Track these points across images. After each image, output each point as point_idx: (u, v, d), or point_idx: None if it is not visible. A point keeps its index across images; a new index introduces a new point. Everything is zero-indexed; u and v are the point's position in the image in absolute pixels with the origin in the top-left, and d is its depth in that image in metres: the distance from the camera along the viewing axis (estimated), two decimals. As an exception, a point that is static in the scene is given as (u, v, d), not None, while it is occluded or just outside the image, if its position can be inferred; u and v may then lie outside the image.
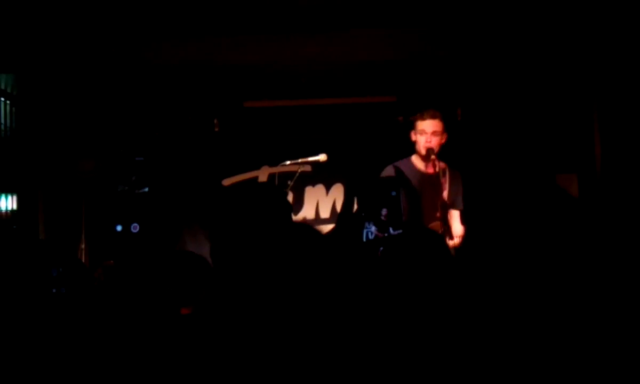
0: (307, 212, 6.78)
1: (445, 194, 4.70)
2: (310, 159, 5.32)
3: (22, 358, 2.29)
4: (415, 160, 4.92)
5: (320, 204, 6.80)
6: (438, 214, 4.58)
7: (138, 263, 2.78)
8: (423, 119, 4.81)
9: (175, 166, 6.69)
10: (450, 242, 4.56)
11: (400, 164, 4.91)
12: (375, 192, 3.61)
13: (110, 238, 6.23)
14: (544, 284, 2.28)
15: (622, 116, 5.82)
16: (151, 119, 6.73)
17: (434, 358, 2.07)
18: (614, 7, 5.04)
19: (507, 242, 2.40)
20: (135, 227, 6.16)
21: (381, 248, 2.50)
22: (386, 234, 3.47)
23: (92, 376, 2.20)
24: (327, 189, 6.80)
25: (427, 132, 4.79)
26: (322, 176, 6.64)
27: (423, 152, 4.80)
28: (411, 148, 4.95)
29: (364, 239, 3.42)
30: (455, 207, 4.85)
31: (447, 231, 4.49)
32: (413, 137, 4.88)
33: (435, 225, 4.51)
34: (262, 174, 6.76)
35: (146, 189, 6.33)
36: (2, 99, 6.19)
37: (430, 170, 4.81)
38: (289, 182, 5.31)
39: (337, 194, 6.79)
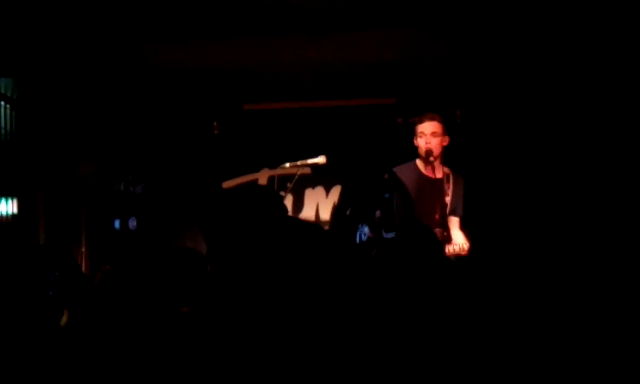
0: (307, 214, 6.80)
1: (447, 199, 4.71)
2: (310, 161, 5.32)
3: (19, 360, 2.30)
4: (419, 163, 4.94)
5: (320, 206, 6.82)
6: (437, 217, 4.58)
7: (136, 262, 2.78)
8: (422, 121, 4.85)
9: (175, 169, 6.70)
10: (449, 248, 4.58)
11: (404, 167, 4.93)
12: (368, 195, 3.62)
13: (109, 237, 6.25)
14: (543, 289, 2.29)
15: (621, 117, 5.82)
16: (151, 122, 6.74)
17: (428, 359, 2.07)
18: (614, 9, 5.03)
19: (506, 245, 2.41)
20: (133, 221, 6.17)
21: (374, 250, 2.50)
22: (379, 236, 3.48)
23: (90, 378, 2.20)
24: (327, 191, 6.81)
25: (426, 134, 4.81)
26: (322, 178, 6.66)
27: (423, 154, 4.82)
28: (411, 149, 4.96)
29: (357, 241, 3.43)
30: (455, 214, 4.86)
31: (447, 237, 4.51)
32: (415, 142, 4.91)
33: (436, 231, 4.50)
34: (262, 177, 6.77)
35: (140, 188, 6.35)
36: (2, 102, 6.19)
37: (432, 173, 4.81)
38: (288, 185, 5.33)
39: (337, 196, 6.79)
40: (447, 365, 2.07)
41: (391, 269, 2.30)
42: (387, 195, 3.67)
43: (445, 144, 4.86)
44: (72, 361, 2.25)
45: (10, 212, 6.11)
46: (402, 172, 4.85)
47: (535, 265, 2.49)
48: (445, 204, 4.66)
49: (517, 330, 2.18)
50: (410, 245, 2.37)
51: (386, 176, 4.63)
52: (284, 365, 1.87)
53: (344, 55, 5.82)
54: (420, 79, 6.42)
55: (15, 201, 6.18)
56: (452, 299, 2.25)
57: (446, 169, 4.88)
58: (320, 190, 6.81)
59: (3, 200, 6.03)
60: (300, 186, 6.25)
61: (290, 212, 6.74)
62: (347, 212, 3.44)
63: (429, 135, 4.80)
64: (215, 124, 6.75)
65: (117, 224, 6.26)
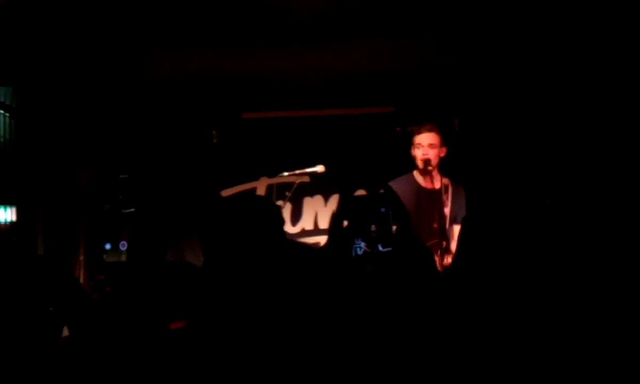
0: (305, 223, 6.80)
1: (447, 210, 4.71)
2: (308, 170, 5.33)
3: (17, 369, 2.30)
4: (416, 175, 4.94)
5: (319, 214, 6.81)
6: (436, 226, 4.58)
7: (130, 277, 2.78)
8: (419, 132, 4.86)
9: (173, 178, 6.70)
10: (449, 259, 4.55)
11: (401, 179, 4.93)
12: (364, 209, 3.63)
13: (102, 255, 6.29)
14: (542, 297, 2.29)
15: (620, 121, 5.83)
16: (150, 131, 6.74)
17: (423, 373, 2.07)
18: (615, 17, 5.03)
19: (504, 250, 2.41)
20: (123, 245, 6.20)
21: (370, 265, 2.50)
22: (375, 251, 3.48)
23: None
24: (326, 200, 6.81)
25: (423, 145, 4.82)
26: (321, 187, 6.65)
27: (420, 165, 4.82)
28: (409, 158, 4.96)
29: (353, 255, 3.43)
30: (457, 223, 4.83)
31: (447, 247, 4.50)
32: (412, 152, 4.91)
33: (435, 242, 4.50)
34: (261, 185, 6.77)
35: (132, 209, 6.35)
36: (1, 111, 6.20)
37: (430, 184, 4.81)
38: (287, 193, 5.34)
39: (336, 204, 6.79)
40: (443, 378, 2.07)
41: (387, 283, 2.30)
42: (382, 209, 3.67)
43: (442, 155, 4.86)
44: (72, 376, 2.25)
45: (9, 220, 6.12)
46: (399, 184, 4.84)
47: (534, 272, 2.49)
48: (444, 215, 4.66)
49: (516, 340, 2.18)
50: (406, 260, 2.37)
51: (382, 190, 4.63)
52: (281, 375, 1.88)
53: (342, 64, 5.82)
54: (418, 88, 6.42)
55: (14, 209, 6.19)
56: (448, 313, 2.25)
57: (445, 180, 4.88)
58: (319, 199, 6.81)
59: (2, 208, 6.04)
60: (299, 194, 6.25)
61: (289, 221, 6.76)
62: (344, 224, 3.43)
63: (426, 146, 4.81)
64: (214, 132, 6.74)
65: (107, 247, 6.30)
